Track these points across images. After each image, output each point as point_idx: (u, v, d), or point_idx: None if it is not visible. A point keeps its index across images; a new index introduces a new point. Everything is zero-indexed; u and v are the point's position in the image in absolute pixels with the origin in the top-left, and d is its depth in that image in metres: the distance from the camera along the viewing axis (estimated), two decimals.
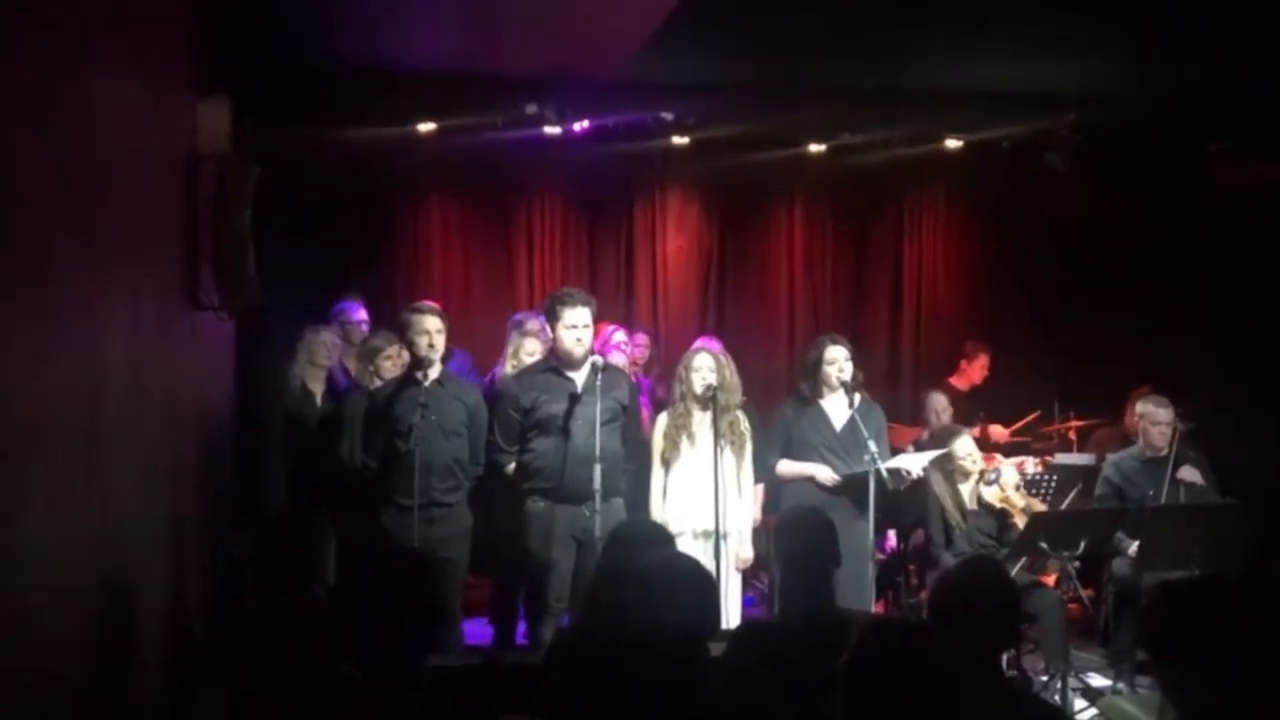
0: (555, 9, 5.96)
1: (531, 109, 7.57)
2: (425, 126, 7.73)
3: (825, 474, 5.95)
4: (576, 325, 5.64)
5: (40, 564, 2.91)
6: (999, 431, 8.12)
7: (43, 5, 2.98)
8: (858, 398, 6.00)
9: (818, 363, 6.08)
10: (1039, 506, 6.48)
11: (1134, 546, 6.24)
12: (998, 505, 6.32)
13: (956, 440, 6.42)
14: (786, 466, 6.07)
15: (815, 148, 8.79)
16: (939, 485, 6.32)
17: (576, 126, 7.93)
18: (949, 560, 6.11)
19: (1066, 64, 7.44)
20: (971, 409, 8.07)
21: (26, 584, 2.83)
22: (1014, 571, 5.64)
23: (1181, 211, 9.02)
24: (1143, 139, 8.73)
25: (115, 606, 3.58)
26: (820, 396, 6.09)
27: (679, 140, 8.39)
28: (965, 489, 6.35)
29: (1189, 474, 6.47)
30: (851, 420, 5.95)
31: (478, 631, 6.68)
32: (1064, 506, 6.85)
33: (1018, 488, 6.51)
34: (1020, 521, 6.19)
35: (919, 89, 7.75)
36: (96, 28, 3.42)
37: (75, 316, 3.23)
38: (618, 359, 6.90)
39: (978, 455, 6.46)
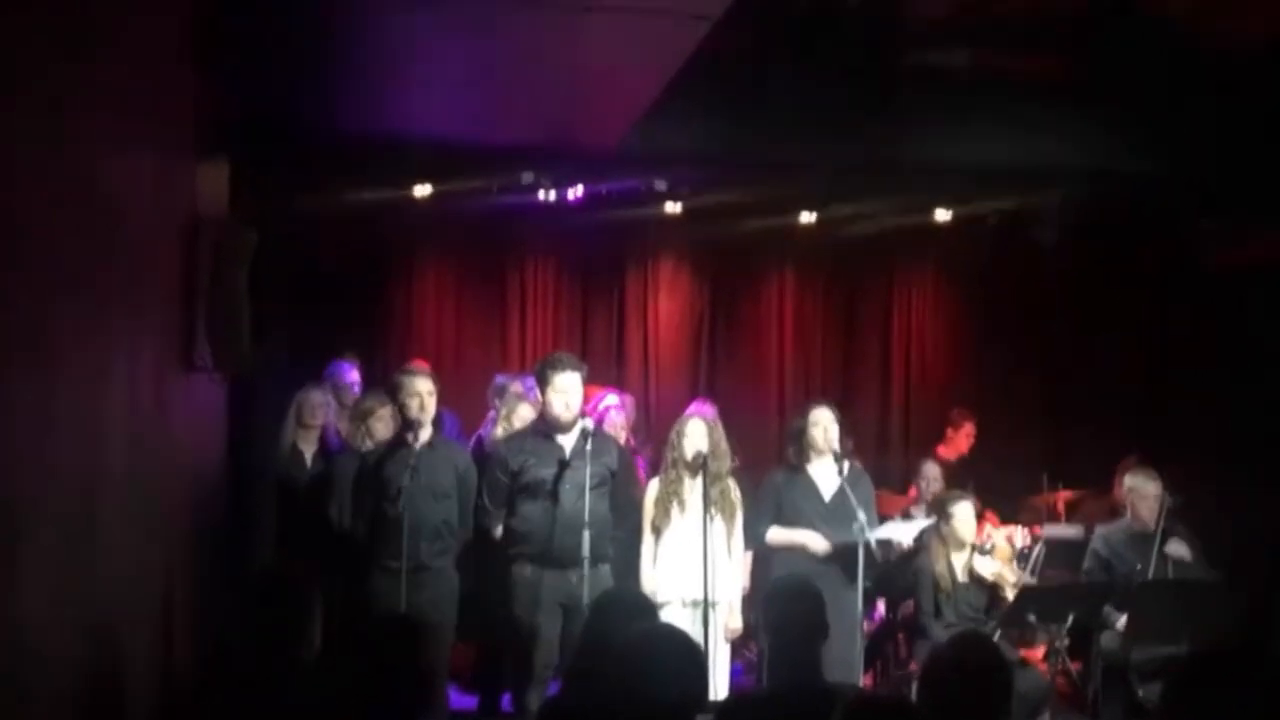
0: (553, 85, 6.04)
1: (527, 177, 7.65)
2: (421, 191, 7.80)
3: (816, 542, 5.95)
4: (566, 390, 5.65)
5: (37, 625, 2.92)
6: (993, 519, 8.09)
7: (47, 68, 3.03)
8: (847, 465, 6.01)
9: (803, 427, 6.11)
10: (1031, 582, 6.46)
11: (1122, 620, 6.23)
12: (990, 578, 6.29)
13: (958, 505, 6.40)
14: (777, 534, 6.07)
15: (806, 218, 8.88)
16: (934, 550, 6.31)
17: (571, 194, 8.01)
18: (938, 631, 6.10)
19: (1054, 140, 7.57)
20: (961, 479, 8.08)
21: (23, 646, 2.83)
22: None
23: (1169, 287, 9.12)
24: (1130, 215, 8.84)
25: (107, 667, 3.57)
26: (808, 461, 6.10)
27: (672, 208, 8.47)
28: (958, 560, 6.34)
29: (1177, 548, 6.47)
30: (841, 489, 5.95)
31: (462, 698, 6.62)
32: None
33: (1010, 560, 6.49)
34: (1010, 596, 6.17)
35: (909, 162, 7.85)
36: (102, 91, 3.48)
37: (77, 380, 3.27)
38: (616, 419, 6.90)
39: (974, 524, 6.44)
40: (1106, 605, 6.29)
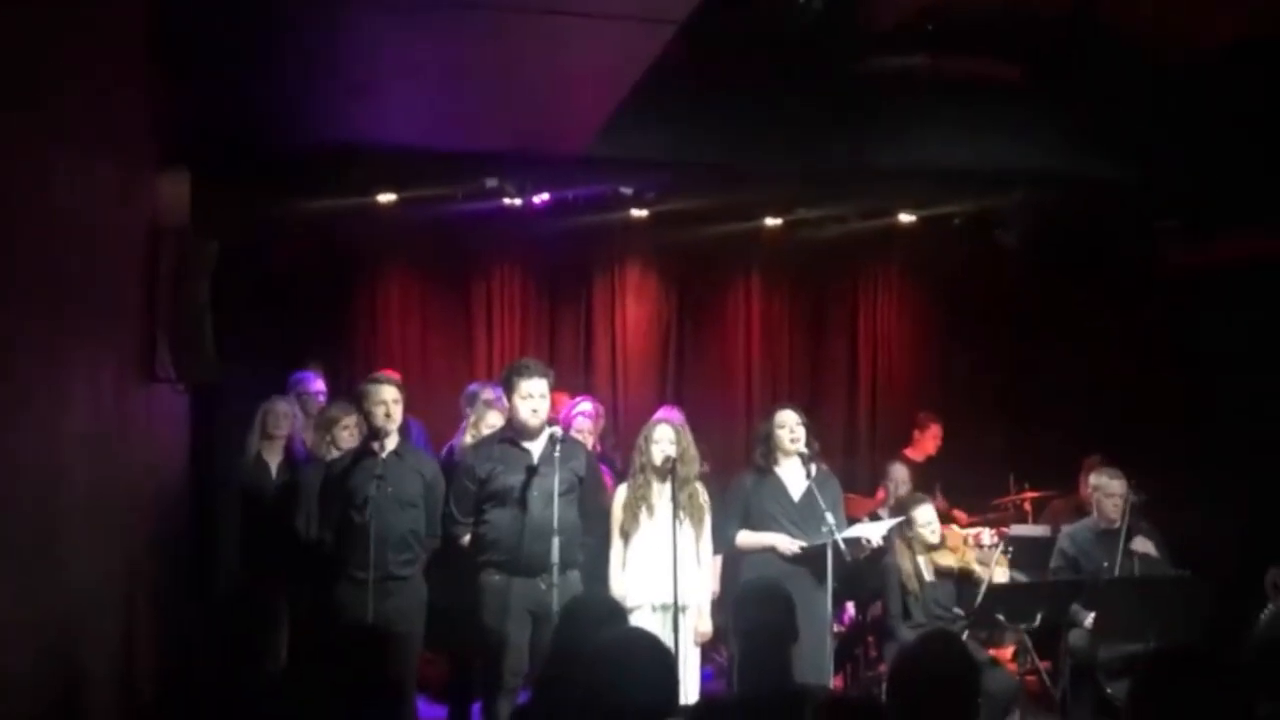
0: (518, 91, 6.03)
1: (491, 183, 7.62)
2: (385, 198, 7.76)
3: (786, 544, 5.95)
4: (532, 395, 5.61)
5: None
6: (961, 517, 8.14)
7: (10, 85, 3.00)
8: (814, 468, 6.03)
9: (769, 430, 6.12)
10: (1001, 562, 6.48)
11: (1090, 618, 6.27)
12: (957, 567, 6.34)
13: (918, 508, 6.45)
14: (746, 537, 6.06)
15: (772, 222, 8.92)
16: (899, 553, 6.35)
17: (536, 200, 8.00)
18: (906, 632, 6.13)
19: (1016, 143, 7.63)
20: (928, 480, 8.12)
21: None
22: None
23: (1131, 288, 9.21)
24: (1092, 217, 8.92)
25: (68, 678, 3.53)
26: (775, 464, 6.10)
27: (638, 213, 8.48)
28: (923, 559, 6.38)
29: (1142, 545, 6.53)
30: (809, 491, 5.97)
31: (432, 708, 6.59)
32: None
33: (965, 541, 6.56)
34: (981, 573, 6.22)
35: (873, 166, 7.90)
36: (60, 103, 3.44)
37: (38, 392, 3.23)
38: (584, 424, 6.88)
39: (937, 525, 6.50)
40: (1074, 604, 6.33)
